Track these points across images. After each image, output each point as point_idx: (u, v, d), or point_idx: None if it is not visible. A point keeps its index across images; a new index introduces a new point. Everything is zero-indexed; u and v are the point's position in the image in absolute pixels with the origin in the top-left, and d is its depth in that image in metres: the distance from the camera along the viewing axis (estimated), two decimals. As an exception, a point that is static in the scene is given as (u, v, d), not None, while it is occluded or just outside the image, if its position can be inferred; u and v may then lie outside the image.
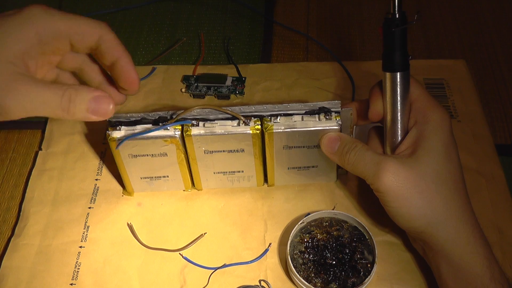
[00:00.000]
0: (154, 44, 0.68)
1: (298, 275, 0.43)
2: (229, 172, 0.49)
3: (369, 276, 0.43)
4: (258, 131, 0.45)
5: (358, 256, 0.45)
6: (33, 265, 0.47)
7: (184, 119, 0.45)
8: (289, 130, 0.45)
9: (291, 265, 0.44)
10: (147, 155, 0.47)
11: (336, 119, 0.45)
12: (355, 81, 0.60)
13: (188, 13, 0.72)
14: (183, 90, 0.60)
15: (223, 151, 0.47)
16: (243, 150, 0.46)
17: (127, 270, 0.47)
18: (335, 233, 0.46)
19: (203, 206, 0.51)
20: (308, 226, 0.47)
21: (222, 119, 0.46)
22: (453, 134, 0.43)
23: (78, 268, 0.47)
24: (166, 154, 0.47)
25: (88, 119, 0.39)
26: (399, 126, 0.44)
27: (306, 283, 0.43)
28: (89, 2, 0.74)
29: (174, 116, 0.46)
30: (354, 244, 0.45)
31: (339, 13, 0.72)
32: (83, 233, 0.49)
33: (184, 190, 0.52)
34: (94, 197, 0.52)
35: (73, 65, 0.44)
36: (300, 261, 0.45)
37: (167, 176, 0.50)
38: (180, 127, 0.45)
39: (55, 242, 0.49)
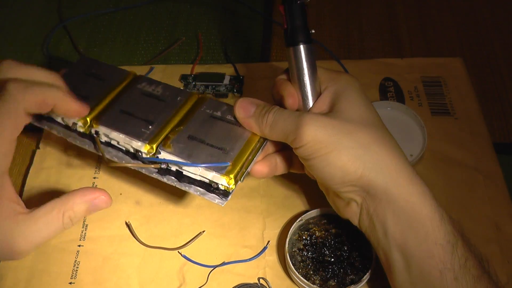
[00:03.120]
0: (153, 44, 0.69)
1: (297, 273, 0.43)
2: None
3: (367, 273, 0.43)
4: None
5: (357, 253, 0.45)
6: (32, 264, 0.48)
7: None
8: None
9: (290, 262, 0.44)
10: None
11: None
12: (354, 80, 0.60)
13: (187, 12, 0.73)
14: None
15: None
16: None
17: (126, 269, 0.47)
18: (333, 230, 0.46)
19: (202, 204, 0.51)
20: (307, 224, 0.47)
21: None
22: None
23: (77, 267, 0.47)
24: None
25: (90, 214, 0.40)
26: (309, 91, 0.43)
27: (305, 281, 0.43)
28: (88, 2, 0.75)
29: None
30: (352, 241, 0.45)
31: (338, 13, 0.72)
32: (82, 232, 0.50)
33: None
34: (92, 196, 0.52)
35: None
36: (299, 258, 0.45)
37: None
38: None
39: (54, 241, 0.49)
